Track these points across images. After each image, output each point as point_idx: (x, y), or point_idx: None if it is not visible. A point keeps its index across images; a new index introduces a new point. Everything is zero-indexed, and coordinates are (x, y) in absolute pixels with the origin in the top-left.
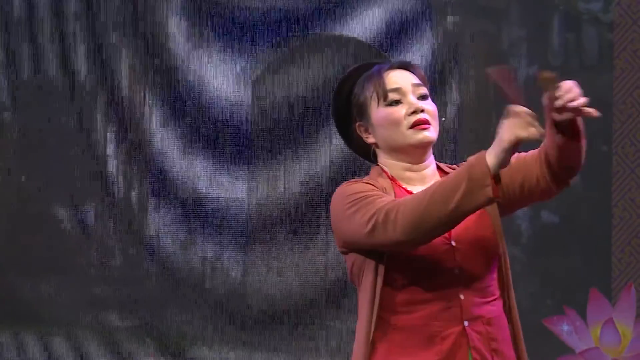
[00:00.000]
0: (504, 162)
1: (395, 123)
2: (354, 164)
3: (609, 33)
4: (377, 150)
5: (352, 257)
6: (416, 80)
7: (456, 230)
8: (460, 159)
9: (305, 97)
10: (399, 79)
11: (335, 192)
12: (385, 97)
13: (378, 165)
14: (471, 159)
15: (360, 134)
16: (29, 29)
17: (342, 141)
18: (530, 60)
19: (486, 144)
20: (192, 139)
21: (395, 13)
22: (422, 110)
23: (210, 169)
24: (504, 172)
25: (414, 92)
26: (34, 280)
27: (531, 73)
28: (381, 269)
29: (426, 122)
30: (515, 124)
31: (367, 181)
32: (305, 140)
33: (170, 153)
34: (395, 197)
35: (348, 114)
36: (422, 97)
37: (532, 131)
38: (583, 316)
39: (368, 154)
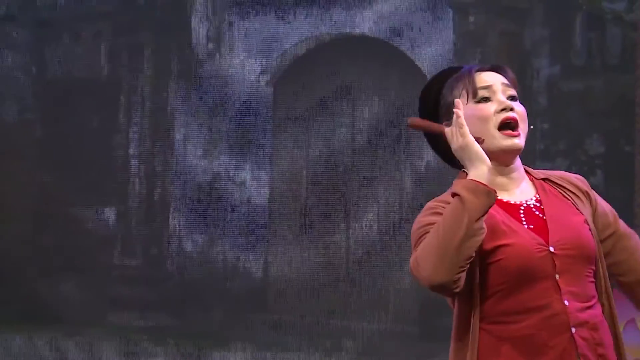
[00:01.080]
0: (473, 164)
1: (484, 119)
2: (376, 165)
3: (632, 32)
4: None
5: None
6: (506, 81)
7: (554, 237)
8: None
9: (328, 97)
10: (489, 78)
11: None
12: (475, 94)
13: (464, 170)
14: (456, 190)
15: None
16: (51, 29)
17: (364, 142)
18: (553, 60)
19: None
20: (214, 139)
21: (418, 13)
22: (512, 109)
23: (231, 169)
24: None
25: (503, 92)
26: (55, 280)
27: (554, 72)
28: (477, 278)
29: (514, 120)
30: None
31: (441, 205)
32: (326, 141)
33: (192, 153)
34: (495, 220)
35: (435, 116)
36: (512, 98)
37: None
38: None
39: (454, 159)
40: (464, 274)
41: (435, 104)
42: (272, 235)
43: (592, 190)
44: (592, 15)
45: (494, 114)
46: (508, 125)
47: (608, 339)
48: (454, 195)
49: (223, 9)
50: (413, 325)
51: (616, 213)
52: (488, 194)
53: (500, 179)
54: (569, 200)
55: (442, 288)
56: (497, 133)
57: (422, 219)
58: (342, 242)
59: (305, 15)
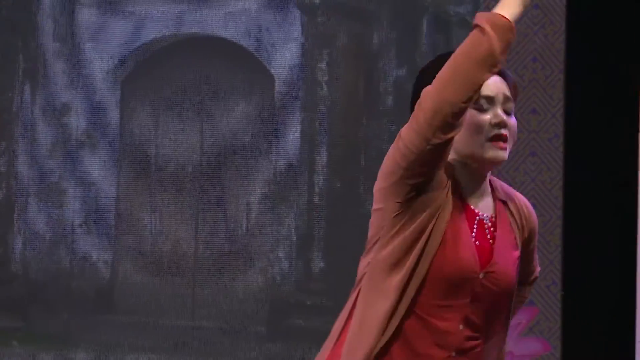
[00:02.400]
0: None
1: (478, 128)
2: (225, 165)
3: None
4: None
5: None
6: (508, 93)
7: (491, 266)
8: (331, 160)
9: (176, 97)
10: (494, 88)
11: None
12: (477, 100)
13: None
14: (482, 14)
15: None
16: None
17: (212, 142)
18: (400, 62)
19: (356, 144)
20: (61, 138)
21: (266, 14)
22: (505, 126)
23: (78, 169)
24: None
25: (503, 104)
26: None
27: (401, 74)
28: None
29: (505, 139)
30: None
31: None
32: (175, 141)
33: (38, 153)
34: (450, 217)
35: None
36: (508, 113)
37: None
38: None
39: None
40: (464, 106)
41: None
42: (119, 236)
43: (536, 224)
44: (438, 18)
45: (488, 126)
46: (499, 137)
47: None
48: (475, 26)
49: (70, 7)
50: (261, 325)
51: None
52: (511, 30)
53: (474, 185)
54: (513, 232)
55: (449, 110)
56: (487, 143)
57: None
58: (190, 242)
59: (153, 15)
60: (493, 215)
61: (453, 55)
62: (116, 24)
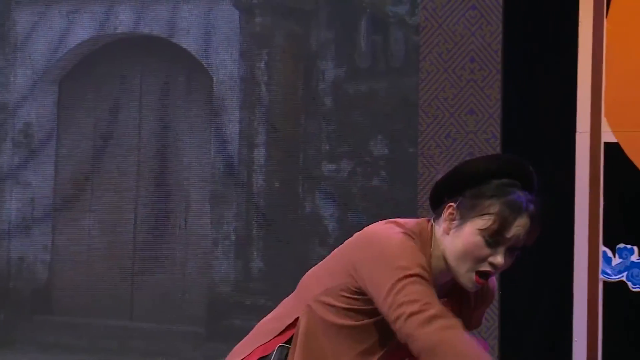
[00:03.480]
0: None
1: (472, 257)
2: (163, 166)
3: (415, 36)
4: (440, 231)
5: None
6: (523, 238)
7: None
8: (270, 160)
9: (114, 96)
10: (516, 233)
11: (381, 232)
12: (491, 235)
13: (430, 230)
14: None
15: (445, 208)
16: None
17: (151, 142)
18: (338, 62)
19: (294, 144)
20: None
21: (204, 13)
22: (498, 268)
23: (15, 169)
24: None
25: (512, 246)
26: None
27: (339, 74)
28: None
29: (490, 275)
30: None
31: (418, 257)
32: (113, 141)
33: None
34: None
35: (456, 182)
36: (511, 251)
37: None
38: None
39: (432, 207)
40: None
41: (466, 179)
42: (57, 236)
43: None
44: (376, 18)
45: (485, 261)
46: (486, 276)
47: None
48: None
49: (6, 6)
50: (200, 325)
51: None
52: None
53: (440, 277)
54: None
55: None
56: (471, 274)
57: (410, 254)
58: (128, 242)
59: (90, 14)
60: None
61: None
62: (53, 22)
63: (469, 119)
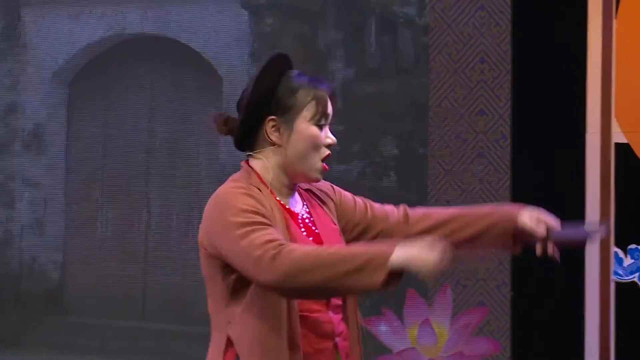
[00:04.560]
0: (405, 268)
1: (316, 146)
2: (173, 166)
3: (424, 37)
4: (270, 150)
5: (211, 265)
6: (333, 109)
7: None
8: None
9: (123, 97)
10: (330, 109)
11: (217, 196)
12: (320, 118)
13: (249, 165)
14: (382, 245)
15: (266, 127)
16: None
17: (160, 143)
18: (347, 63)
19: None
20: (7, 140)
21: (213, 14)
22: (333, 146)
23: (26, 170)
24: None
25: (329, 124)
26: None
27: (349, 75)
28: None
29: (329, 157)
30: (433, 252)
31: (252, 195)
32: (123, 142)
33: None
34: (285, 224)
35: (264, 104)
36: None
37: (440, 265)
38: (401, 317)
39: (245, 141)
40: None
41: (268, 93)
42: (68, 237)
43: (336, 189)
44: (384, 19)
45: (322, 144)
46: (327, 159)
47: (357, 349)
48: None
49: (16, 8)
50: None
51: (367, 201)
52: (372, 284)
53: (287, 192)
54: (327, 214)
55: (275, 290)
56: (319, 163)
57: (244, 199)
58: (140, 243)
59: (100, 15)
60: (305, 206)
61: (325, 250)
62: (63, 24)
63: (479, 119)
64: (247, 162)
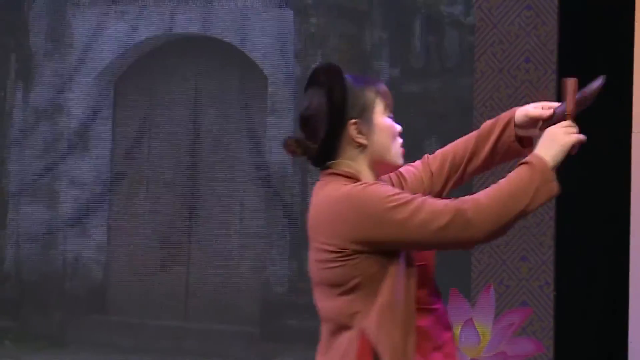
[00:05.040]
0: (560, 162)
1: (395, 135)
2: (218, 165)
3: (470, 36)
4: (355, 153)
5: (357, 266)
6: None
7: None
8: None
9: (168, 97)
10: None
11: (352, 196)
12: (389, 110)
13: (339, 173)
14: (531, 161)
15: (350, 132)
16: None
17: (205, 142)
18: (393, 63)
19: None
20: (53, 139)
21: (258, 14)
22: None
23: (71, 169)
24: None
25: None
26: None
27: (394, 74)
28: (408, 272)
29: None
30: (567, 131)
31: (377, 183)
32: (167, 141)
33: (31, 153)
34: None
35: (342, 108)
36: None
37: (578, 138)
38: None
39: (326, 154)
40: None
41: (343, 101)
42: (112, 236)
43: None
44: (430, 19)
45: (398, 135)
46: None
47: None
48: (522, 164)
49: (62, 7)
50: (254, 326)
51: (419, 162)
52: (554, 193)
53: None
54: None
55: (479, 243)
56: (400, 149)
57: (383, 187)
58: (183, 242)
59: (146, 14)
60: None
61: (508, 183)
62: (108, 23)
63: None
64: (332, 172)
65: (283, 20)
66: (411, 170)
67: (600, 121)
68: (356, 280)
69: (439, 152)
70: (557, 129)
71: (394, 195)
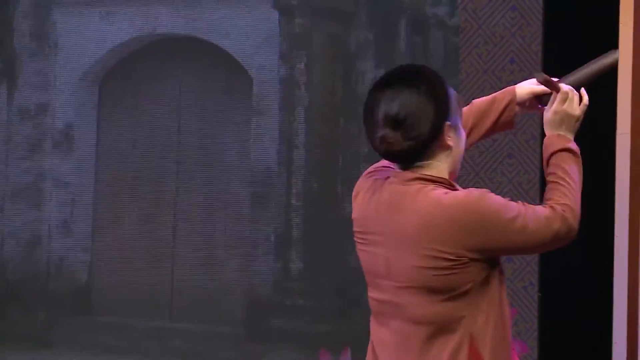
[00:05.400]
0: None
1: (463, 147)
2: (203, 166)
3: (454, 37)
4: (443, 155)
5: (471, 273)
6: None
7: None
8: (309, 161)
9: (153, 97)
10: None
11: (472, 205)
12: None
13: (427, 175)
14: (571, 148)
15: (446, 134)
16: None
17: (190, 143)
18: (378, 63)
19: (334, 145)
20: (37, 139)
21: (243, 14)
22: None
23: (55, 169)
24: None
25: None
26: None
27: (379, 75)
28: (502, 277)
29: None
30: (573, 102)
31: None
32: (152, 142)
33: (15, 153)
34: None
35: (447, 110)
36: None
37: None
38: None
39: (422, 154)
40: None
41: (446, 101)
42: (97, 237)
43: None
44: (415, 20)
45: None
46: None
47: None
48: (569, 150)
49: (47, 8)
50: (239, 326)
51: None
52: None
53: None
54: None
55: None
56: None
57: (496, 196)
58: (168, 243)
59: (130, 15)
60: None
61: (573, 178)
62: (93, 24)
63: None
64: (420, 175)
65: (268, 21)
66: None
67: (584, 122)
68: (468, 286)
69: None
70: (566, 105)
71: (507, 204)
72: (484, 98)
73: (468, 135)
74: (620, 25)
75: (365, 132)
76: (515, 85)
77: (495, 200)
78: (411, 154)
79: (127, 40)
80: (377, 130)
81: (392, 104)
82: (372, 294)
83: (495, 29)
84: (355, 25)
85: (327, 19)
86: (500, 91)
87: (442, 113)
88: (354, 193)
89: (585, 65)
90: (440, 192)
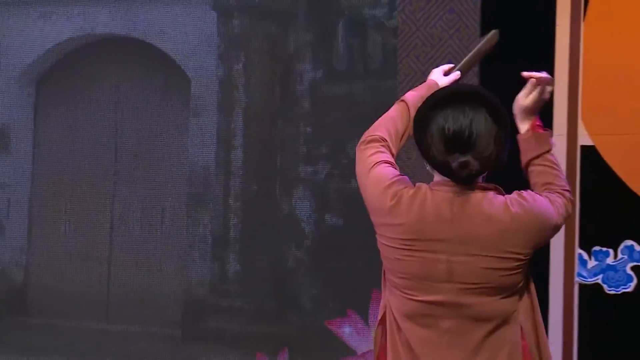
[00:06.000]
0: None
1: None
2: (140, 167)
3: (392, 39)
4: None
5: (525, 269)
6: None
7: None
8: (247, 162)
9: (91, 98)
10: None
11: (535, 208)
12: None
13: (489, 184)
14: (551, 144)
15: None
16: None
17: (127, 144)
18: (316, 65)
19: (272, 146)
20: None
21: (182, 15)
22: None
23: None
24: None
25: None
26: None
27: (317, 77)
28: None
29: None
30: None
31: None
32: (90, 143)
33: None
34: None
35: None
36: None
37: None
38: (365, 318)
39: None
40: None
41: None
42: (33, 238)
43: None
44: (354, 21)
45: None
46: None
47: None
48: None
49: None
50: (176, 327)
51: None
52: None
53: None
54: None
55: None
56: None
57: (541, 198)
58: (105, 244)
59: (68, 15)
60: None
61: (561, 174)
62: (30, 24)
63: None
64: (484, 185)
65: (206, 22)
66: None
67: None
68: (522, 282)
69: (389, 134)
70: (521, 102)
71: (549, 203)
72: (414, 96)
73: (401, 139)
74: (557, 28)
75: (422, 148)
76: (435, 79)
77: (542, 201)
78: (479, 175)
79: (64, 40)
80: (446, 151)
81: (462, 125)
82: (418, 297)
83: (433, 31)
84: (293, 27)
85: (266, 20)
86: (423, 86)
87: (507, 136)
88: (391, 202)
89: (472, 49)
90: (501, 198)
